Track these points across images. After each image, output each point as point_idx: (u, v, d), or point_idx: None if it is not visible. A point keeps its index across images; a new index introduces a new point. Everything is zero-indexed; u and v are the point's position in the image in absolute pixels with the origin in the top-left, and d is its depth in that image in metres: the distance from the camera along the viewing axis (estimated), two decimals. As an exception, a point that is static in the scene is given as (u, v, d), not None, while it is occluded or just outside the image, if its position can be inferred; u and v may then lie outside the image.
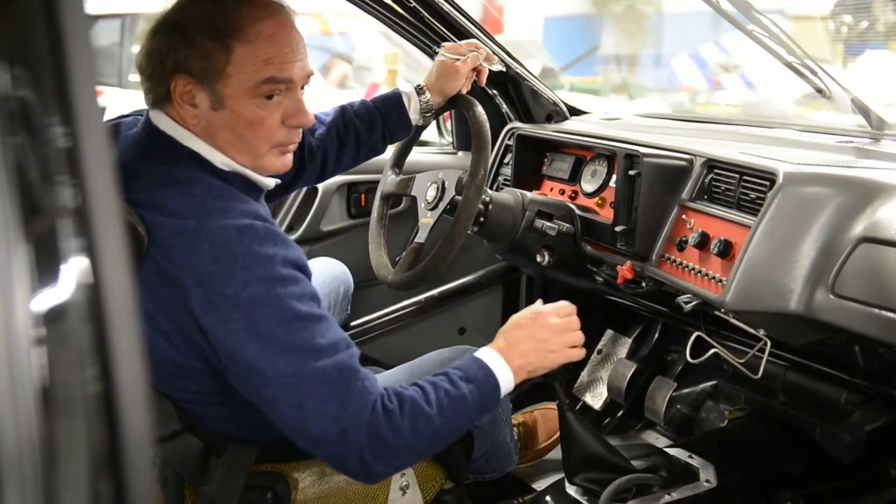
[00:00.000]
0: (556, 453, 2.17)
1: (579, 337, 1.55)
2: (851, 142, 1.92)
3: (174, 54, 1.32)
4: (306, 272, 1.33)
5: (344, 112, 1.89)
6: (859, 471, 1.87)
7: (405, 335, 2.55)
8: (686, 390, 2.36)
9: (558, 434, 2.19)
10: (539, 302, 1.61)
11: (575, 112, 2.49)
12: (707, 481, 1.80)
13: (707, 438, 2.08)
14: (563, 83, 8.28)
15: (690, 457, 1.86)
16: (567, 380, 2.57)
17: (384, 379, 1.73)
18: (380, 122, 1.89)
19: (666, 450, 1.91)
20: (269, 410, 1.28)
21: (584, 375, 2.62)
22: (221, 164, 1.37)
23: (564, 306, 1.58)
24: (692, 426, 2.32)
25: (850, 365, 1.79)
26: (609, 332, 2.66)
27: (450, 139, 2.70)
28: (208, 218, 1.27)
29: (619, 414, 2.54)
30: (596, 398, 2.58)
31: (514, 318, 1.55)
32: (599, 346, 2.67)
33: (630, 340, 2.58)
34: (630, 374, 2.42)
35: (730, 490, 1.82)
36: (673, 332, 2.48)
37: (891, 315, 1.40)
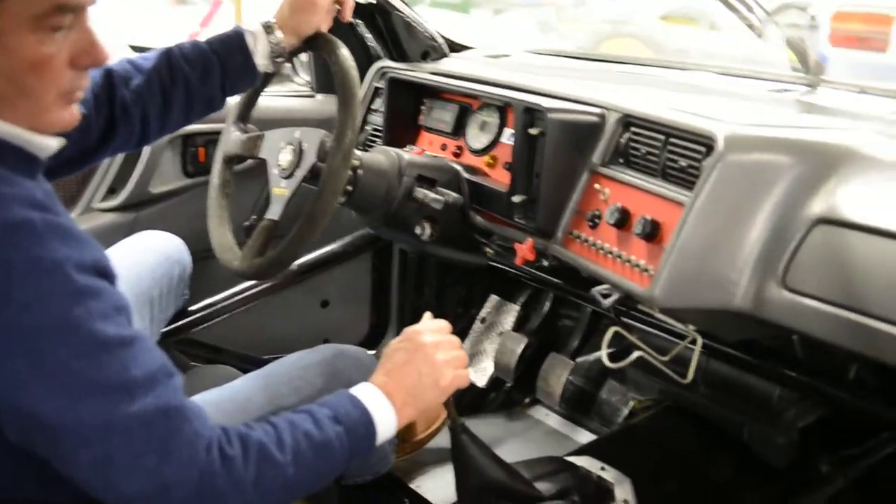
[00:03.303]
0: (435, 442, 1.92)
1: (464, 358, 1.33)
2: (787, 90, 1.64)
3: None
4: (109, 276, 1.01)
5: (169, 57, 1.45)
6: (789, 471, 1.65)
7: (259, 315, 2.16)
8: (583, 360, 2.11)
9: (438, 423, 1.93)
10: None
11: (455, 48, 2.13)
12: (625, 501, 1.53)
13: (617, 439, 1.81)
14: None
15: (603, 468, 1.58)
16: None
17: (232, 393, 1.43)
18: (217, 68, 1.47)
19: (572, 460, 1.61)
20: (63, 466, 0.99)
21: (466, 348, 2.33)
22: None
23: (440, 323, 1.37)
24: (591, 406, 2.07)
25: (785, 357, 1.54)
26: (493, 298, 2.38)
27: (307, 78, 2.27)
28: None
29: (504, 388, 2.28)
30: (480, 374, 2.29)
31: (391, 346, 1.31)
32: (483, 314, 2.38)
33: (517, 307, 2.31)
34: (520, 349, 2.14)
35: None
36: (566, 300, 2.20)
37: (851, 316, 1.17)
